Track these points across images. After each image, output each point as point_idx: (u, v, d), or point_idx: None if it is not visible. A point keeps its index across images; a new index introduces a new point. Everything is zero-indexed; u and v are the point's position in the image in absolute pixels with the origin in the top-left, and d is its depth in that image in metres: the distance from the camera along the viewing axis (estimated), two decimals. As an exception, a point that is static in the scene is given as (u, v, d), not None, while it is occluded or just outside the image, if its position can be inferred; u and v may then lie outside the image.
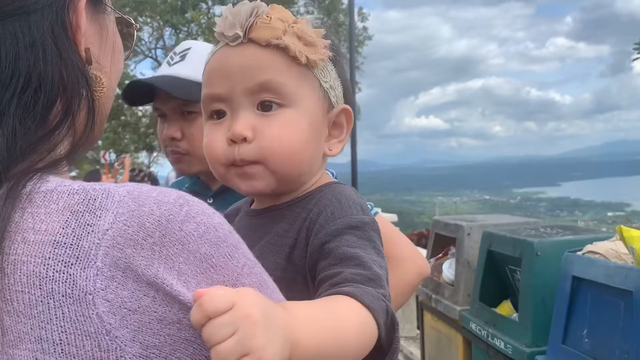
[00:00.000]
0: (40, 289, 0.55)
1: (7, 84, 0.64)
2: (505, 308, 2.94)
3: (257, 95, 0.86)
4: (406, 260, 1.35)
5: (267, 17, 0.85)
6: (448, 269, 3.47)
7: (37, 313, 0.55)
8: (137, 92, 1.54)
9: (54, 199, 0.60)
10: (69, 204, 0.59)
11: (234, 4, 0.87)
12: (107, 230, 0.57)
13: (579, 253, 2.39)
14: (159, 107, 1.54)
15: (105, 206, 0.59)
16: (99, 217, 0.58)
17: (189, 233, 0.59)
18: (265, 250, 0.87)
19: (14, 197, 0.60)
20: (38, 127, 0.66)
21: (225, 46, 0.88)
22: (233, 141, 0.86)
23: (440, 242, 3.76)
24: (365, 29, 26.33)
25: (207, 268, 0.60)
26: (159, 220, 0.58)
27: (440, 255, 3.70)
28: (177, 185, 1.69)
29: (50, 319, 0.55)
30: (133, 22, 0.84)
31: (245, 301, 0.55)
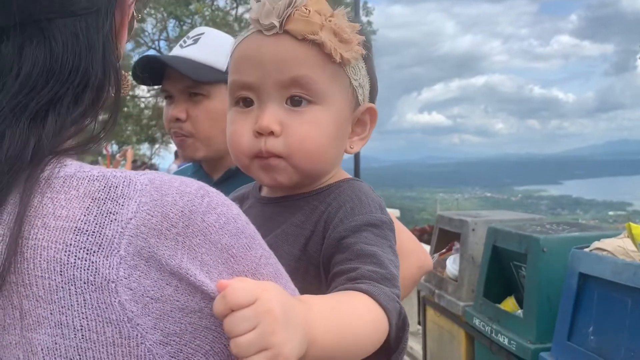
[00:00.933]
0: (61, 275, 0.56)
1: (65, 80, 0.66)
2: (509, 304, 2.92)
3: (288, 90, 0.84)
4: (408, 253, 1.34)
5: (306, 9, 0.83)
6: (452, 265, 3.45)
7: (58, 299, 0.56)
8: (147, 70, 1.53)
9: (74, 184, 0.60)
10: (89, 191, 0.59)
11: None
12: (131, 219, 0.57)
13: (586, 250, 2.37)
14: (167, 89, 1.54)
15: (127, 194, 0.59)
16: (122, 205, 0.58)
17: (210, 224, 0.60)
18: (280, 239, 0.87)
19: (32, 181, 0.60)
20: (78, 117, 0.68)
21: (257, 33, 0.86)
22: (260, 133, 0.85)
23: (444, 238, 3.73)
24: (369, 23, 26.27)
25: (227, 258, 0.61)
26: (182, 211, 0.59)
27: (444, 250, 3.68)
28: (179, 175, 1.68)
29: (72, 305, 0.56)
30: (138, 14, 0.83)
31: (267, 296, 0.56)
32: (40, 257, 0.56)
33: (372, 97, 0.96)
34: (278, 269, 0.67)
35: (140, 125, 26.60)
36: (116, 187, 0.59)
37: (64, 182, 0.60)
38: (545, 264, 2.58)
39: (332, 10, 0.86)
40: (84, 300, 0.55)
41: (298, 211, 0.89)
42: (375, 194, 0.90)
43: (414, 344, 4.50)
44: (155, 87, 1.62)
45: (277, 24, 0.82)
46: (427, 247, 3.87)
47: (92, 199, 0.59)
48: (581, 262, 2.33)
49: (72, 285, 0.55)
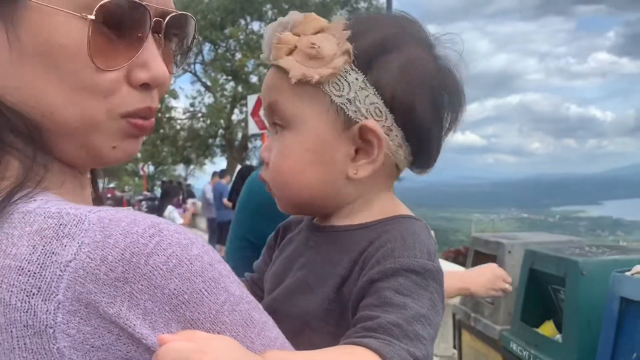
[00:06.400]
0: (4, 316, 0.53)
1: None
2: (547, 328, 2.85)
3: (270, 117, 0.84)
4: None
5: (279, 34, 0.79)
6: (487, 287, 3.39)
7: (2, 340, 0.53)
8: None
9: (30, 221, 0.56)
10: (41, 228, 0.56)
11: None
12: (70, 261, 0.53)
13: (628, 273, 2.31)
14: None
15: (72, 234, 0.54)
16: (65, 245, 0.54)
17: (155, 267, 0.54)
18: (314, 276, 0.82)
19: None
20: None
21: None
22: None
23: (479, 260, 3.67)
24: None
25: (177, 305, 0.54)
26: (122, 254, 0.53)
27: (479, 272, 3.62)
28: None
29: (14, 348, 0.53)
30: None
31: (205, 359, 0.51)
32: None
33: (401, 112, 0.79)
34: (250, 316, 0.59)
35: (176, 147, 27.15)
36: (65, 225, 0.55)
37: (22, 217, 0.57)
38: (584, 287, 2.51)
39: (321, 26, 0.78)
40: (24, 344, 0.53)
41: (338, 245, 0.82)
42: (428, 236, 0.80)
43: (450, 368, 4.42)
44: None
45: (267, 54, 0.83)
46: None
47: (41, 237, 0.55)
48: (622, 286, 2.26)
49: (13, 327, 0.53)
